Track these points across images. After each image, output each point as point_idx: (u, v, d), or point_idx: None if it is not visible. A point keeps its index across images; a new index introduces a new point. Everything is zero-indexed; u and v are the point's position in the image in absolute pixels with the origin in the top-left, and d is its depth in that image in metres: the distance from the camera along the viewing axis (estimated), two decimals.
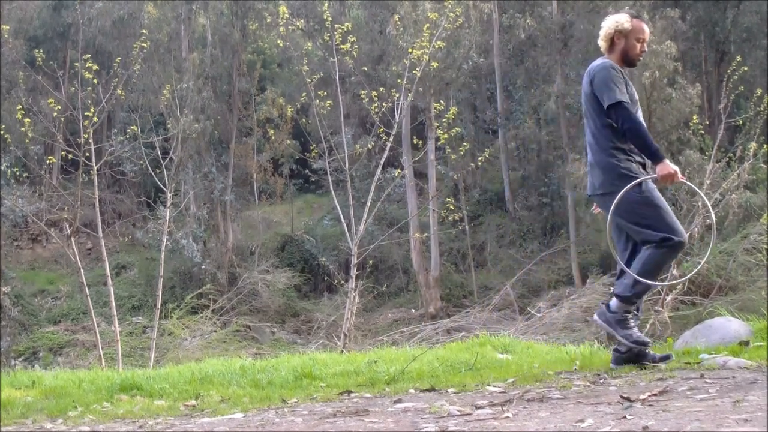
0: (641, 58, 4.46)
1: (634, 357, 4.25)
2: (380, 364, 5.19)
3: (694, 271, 5.22)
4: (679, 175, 4.09)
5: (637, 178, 4.13)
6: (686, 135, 20.84)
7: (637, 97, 4.38)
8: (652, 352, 4.34)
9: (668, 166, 4.06)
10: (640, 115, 4.35)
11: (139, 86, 26.08)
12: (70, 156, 12.02)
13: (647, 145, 4.14)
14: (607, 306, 4.26)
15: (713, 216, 4.62)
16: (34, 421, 4.02)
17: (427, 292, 24.16)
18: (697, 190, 5.09)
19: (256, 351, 19.44)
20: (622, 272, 4.25)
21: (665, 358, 4.23)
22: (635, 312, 4.29)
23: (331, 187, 12.67)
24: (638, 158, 4.24)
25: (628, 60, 4.40)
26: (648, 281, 4.13)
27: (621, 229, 4.37)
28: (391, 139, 11.95)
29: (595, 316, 4.31)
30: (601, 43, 4.45)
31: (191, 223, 26.04)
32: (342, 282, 15.17)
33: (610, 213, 4.15)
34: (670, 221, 4.16)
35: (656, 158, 4.11)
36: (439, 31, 12.71)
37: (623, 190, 4.06)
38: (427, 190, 25.25)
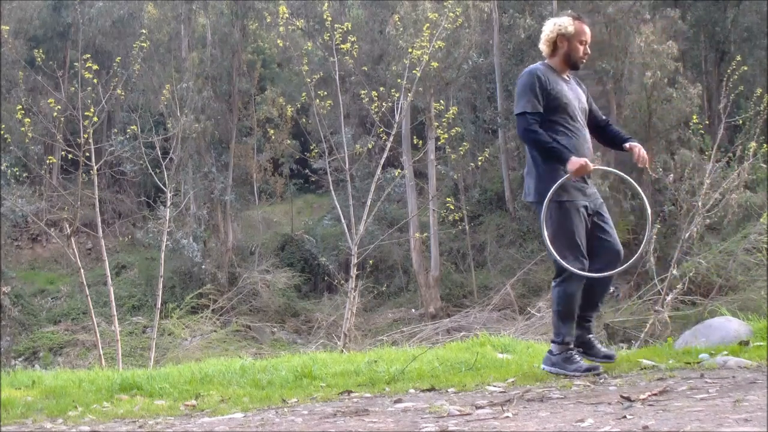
0: (585, 61, 4.42)
1: (579, 344, 4.37)
2: (380, 364, 5.19)
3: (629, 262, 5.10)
4: (590, 164, 4.08)
5: (561, 187, 4.12)
6: (686, 135, 20.85)
7: (569, 97, 4.28)
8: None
9: (575, 161, 4.05)
10: (579, 122, 4.30)
11: (139, 86, 26.09)
12: (70, 156, 12.02)
13: (547, 151, 4.14)
14: (550, 351, 4.32)
15: (647, 206, 4.53)
16: (34, 421, 4.02)
17: (427, 292, 24.16)
18: (617, 172, 5.05)
19: (256, 351, 19.44)
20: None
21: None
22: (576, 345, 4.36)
23: (331, 187, 12.66)
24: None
25: (571, 63, 4.37)
26: (567, 309, 4.24)
27: None
28: (391, 139, 11.95)
29: (543, 366, 4.33)
30: (543, 47, 4.40)
31: (191, 223, 26.03)
32: (342, 282, 15.16)
33: (543, 218, 4.17)
34: (574, 252, 4.16)
35: (562, 161, 4.10)
36: (439, 30, 12.70)
37: (549, 194, 4.10)
38: (427, 190, 25.23)
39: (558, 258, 4.11)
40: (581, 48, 4.34)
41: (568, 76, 4.41)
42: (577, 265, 4.14)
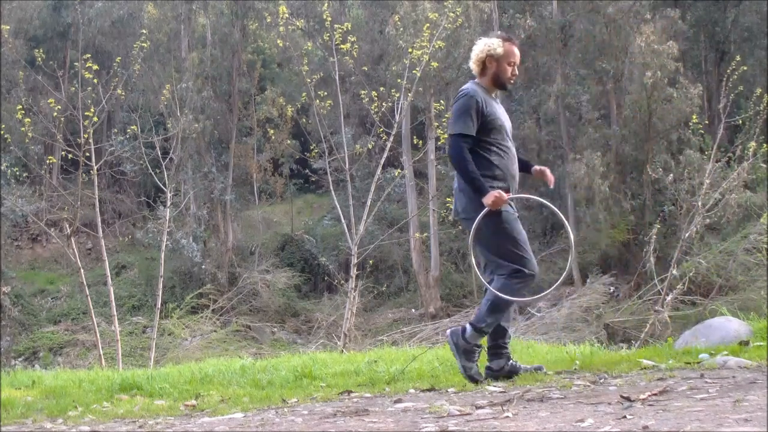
0: (513, 81, 4.48)
1: (506, 374, 4.31)
2: (380, 364, 5.20)
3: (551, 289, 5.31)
4: (504, 195, 4.17)
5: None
6: (686, 135, 20.86)
7: (501, 118, 4.35)
8: (520, 365, 4.38)
9: (490, 195, 4.13)
10: (510, 141, 4.39)
11: (139, 86, 26.09)
12: (70, 156, 12.04)
13: (471, 180, 4.19)
14: (463, 330, 4.28)
15: (570, 232, 4.75)
16: (34, 421, 4.02)
17: (427, 291, 24.16)
18: (537, 198, 5.26)
19: (256, 351, 19.44)
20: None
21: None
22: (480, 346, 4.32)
23: (331, 187, 12.67)
24: (501, 184, 4.27)
25: (499, 83, 4.41)
26: (502, 305, 4.23)
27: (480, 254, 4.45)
28: (391, 139, 11.96)
29: (448, 332, 4.32)
30: (473, 66, 4.44)
31: (191, 223, 26.03)
32: (342, 282, 15.18)
33: (470, 238, 4.25)
34: (524, 254, 4.23)
35: (480, 192, 4.16)
36: (438, 31, 12.70)
37: (477, 218, 4.16)
38: (427, 189, 25.24)
39: (518, 267, 4.18)
40: (509, 69, 4.39)
41: (495, 96, 4.46)
42: (533, 265, 4.25)
